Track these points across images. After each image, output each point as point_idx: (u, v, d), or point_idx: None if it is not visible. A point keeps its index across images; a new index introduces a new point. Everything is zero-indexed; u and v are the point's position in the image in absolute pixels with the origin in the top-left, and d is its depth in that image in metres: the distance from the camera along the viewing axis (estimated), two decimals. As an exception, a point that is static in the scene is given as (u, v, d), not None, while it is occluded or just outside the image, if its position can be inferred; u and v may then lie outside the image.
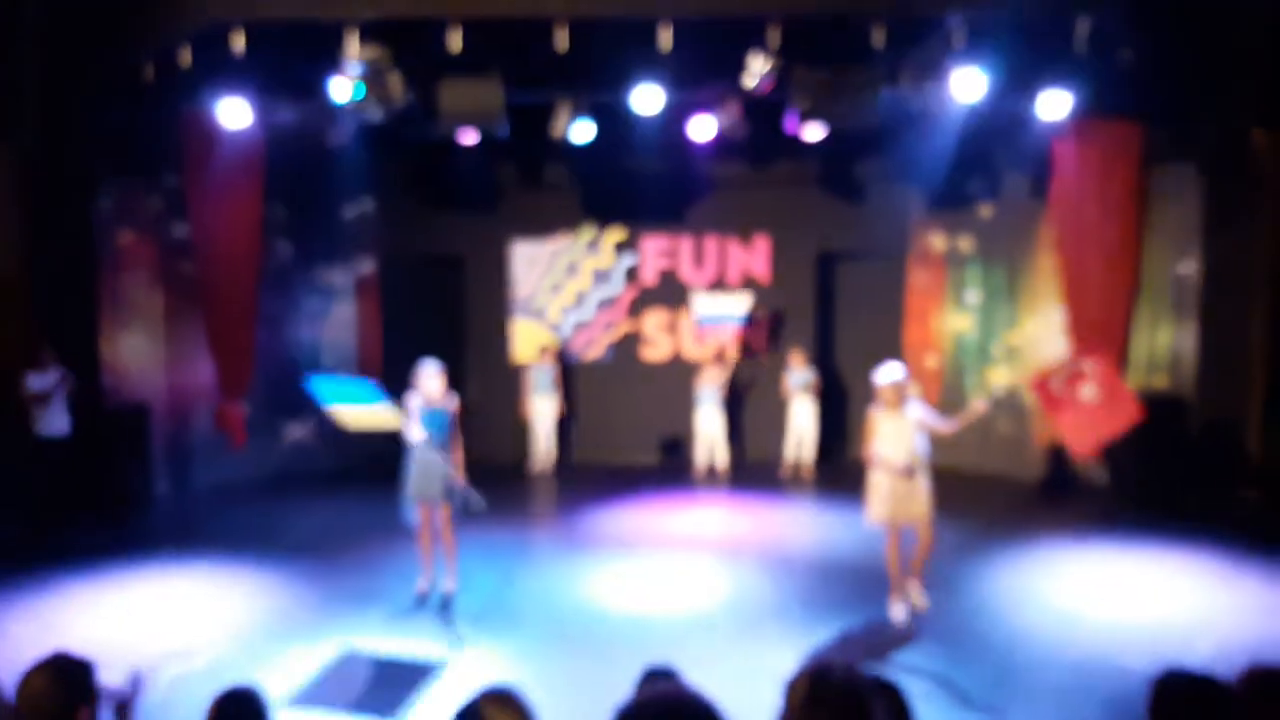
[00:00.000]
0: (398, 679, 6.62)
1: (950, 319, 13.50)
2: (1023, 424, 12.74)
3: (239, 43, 9.21)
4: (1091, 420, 8.64)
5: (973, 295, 13.23)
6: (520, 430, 13.67)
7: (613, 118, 10.95)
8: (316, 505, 11.61)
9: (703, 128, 11.17)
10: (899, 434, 7.53)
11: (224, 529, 10.59)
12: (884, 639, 7.35)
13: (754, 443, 14.03)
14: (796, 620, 7.72)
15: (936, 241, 13.50)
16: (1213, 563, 9.02)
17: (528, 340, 14.21)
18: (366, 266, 13.89)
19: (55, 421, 10.18)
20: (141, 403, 11.53)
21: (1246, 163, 10.76)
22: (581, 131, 10.97)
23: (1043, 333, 12.48)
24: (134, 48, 9.71)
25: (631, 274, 14.14)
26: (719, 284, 14.08)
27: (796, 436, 13.07)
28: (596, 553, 9.68)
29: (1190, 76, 10.63)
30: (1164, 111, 10.82)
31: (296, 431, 13.35)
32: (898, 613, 7.68)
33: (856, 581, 8.54)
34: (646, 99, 10.15)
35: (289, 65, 9.82)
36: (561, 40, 9.09)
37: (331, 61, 9.24)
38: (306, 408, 13.26)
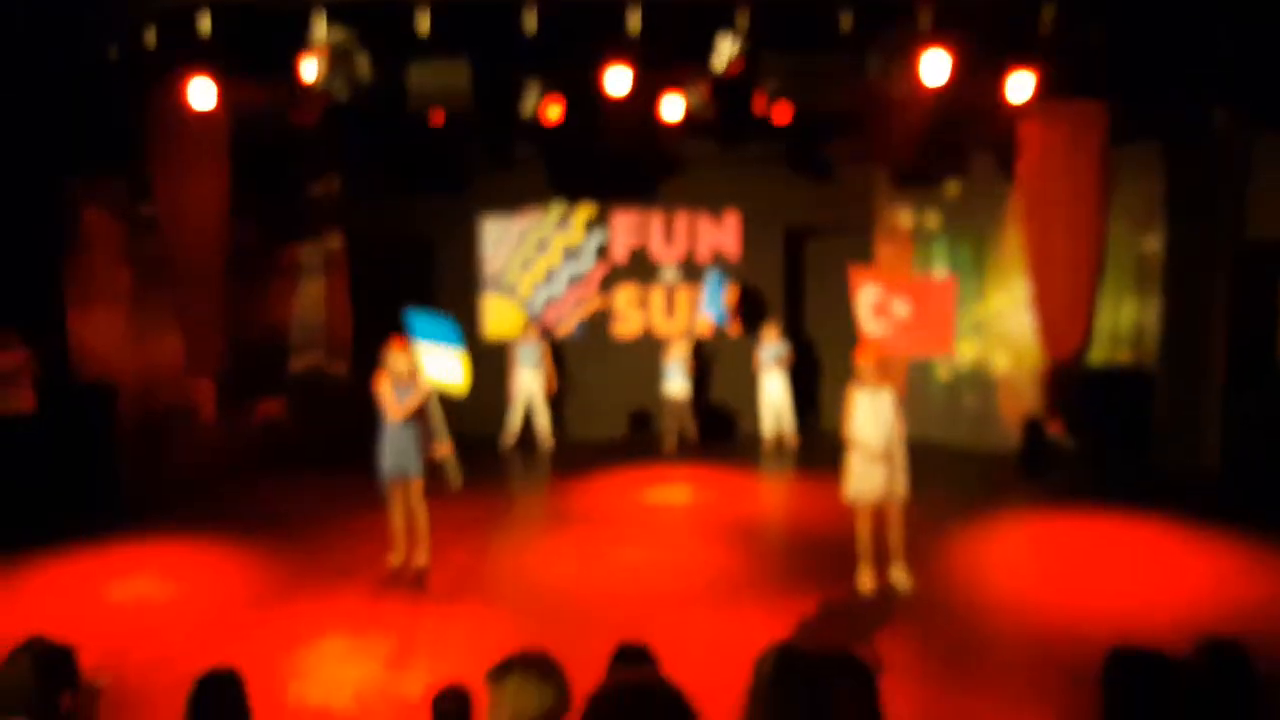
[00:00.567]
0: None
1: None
2: (989, 397, 12.91)
3: (205, 23, 9.13)
4: (927, 322, 8.46)
5: (940, 271, 13.37)
6: (495, 405, 13.72)
7: (582, 96, 10.95)
8: (286, 482, 11.64)
9: (672, 107, 11.19)
10: (877, 413, 7.59)
11: (193, 507, 10.62)
12: (852, 612, 7.48)
13: (729, 416, 14.12)
14: (768, 594, 7.84)
15: (903, 218, 13.62)
16: (1175, 534, 9.21)
17: (499, 317, 14.23)
18: (335, 243, 13.86)
19: (21, 400, 10.14)
20: (109, 382, 11.48)
21: (1209, 141, 10.94)
22: (551, 110, 10.97)
23: (1009, 307, 12.64)
24: (99, 28, 9.60)
25: (602, 250, 14.18)
26: (689, 260, 14.13)
27: (772, 410, 13.15)
28: (569, 527, 9.78)
29: (1154, 56, 10.75)
30: (1128, 91, 10.94)
31: (266, 408, 13.33)
32: (866, 583, 7.82)
33: (827, 555, 8.67)
34: (616, 80, 10.16)
35: (255, 45, 9.76)
36: (530, 22, 9.08)
37: (298, 42, 9.19)
38: (276, 385, 13.30)
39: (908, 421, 8.04)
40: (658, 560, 8.78)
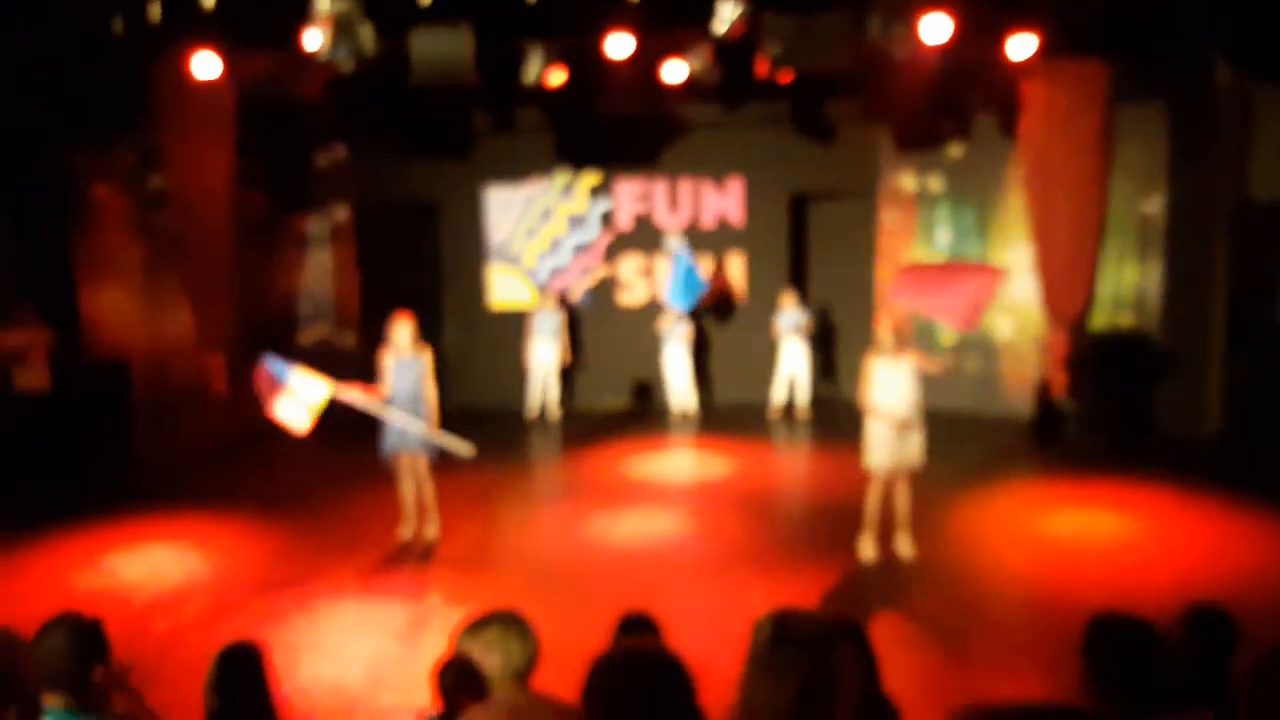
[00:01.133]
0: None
1: (921, 257, 13.65)
2: (991, 363, 12.96)
3: (208, -5, 9.16)
4: (958, 293, 8.33)
5: (943, 234, 13.39)
6: (501, 375, 13.81)
7: (585, 62, 10.96)
8: (299, 456, 11.71)
9: (675, 72, 11.20)
10: (897, 381, 7.59)
11: (207, 482, 10.73)
12: (855, 580, 7.57)
13: (736, 384, 14.20)
14: (772, 562, 7.93)
15: (907, 181, 13.62)
16: (1177, 498, 9.26)
17: (505, 285, 14.29)
18: (341, 214, 13.91)
19: (35, 377, 10.23)
20: (121, 357, 11.56)
21: (1211, 100, 10.91)
22: (554, 77, 10.97)
23: (1013, 271, 12.63)
24: (103, 2, 9.61)
25: (606, 218, 14.20)
26: (693, 227, 14.15)
27: (788, 378, 13.18)
28: (576, 497, 9.88)
29: (1155, 15, 10.72)
30: (1129, 50, 10.92)
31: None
32: (867, 551, 7.89)
33: (833, 524, 8.74)
34: (618, 45, 10.17)
35: (259, 17, 9.78)
36: (532, -11, 9.09)
37: (302, 13, 9.21)
38: (286, 356, 13.37)
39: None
40: (664, 530, 8.88)
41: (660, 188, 14.13)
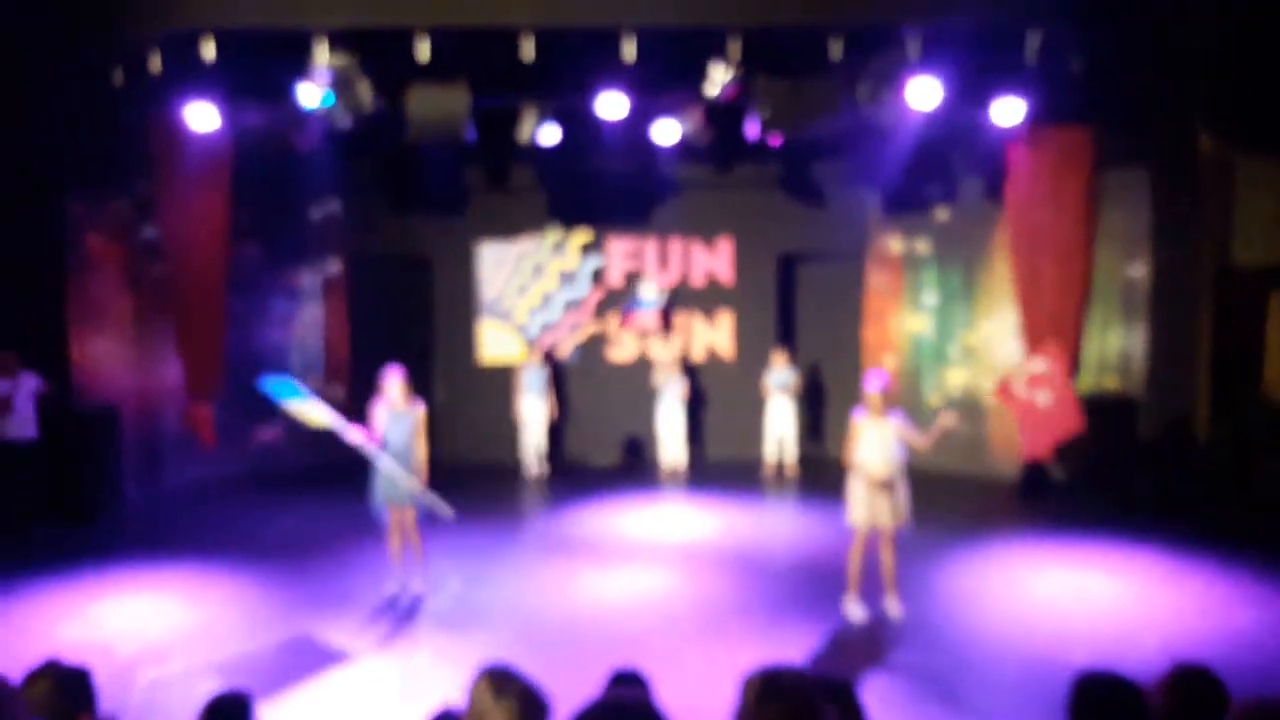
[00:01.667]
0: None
1: (908, 320, 13.78)
2: (980, 425, 13.03)
3: (209, 49, 9.29)
4: (1046, 424, 9.02)
5: (930, 297, 13.52)
6: (491, 430, 13.84)
7: (578, 122, 11.14)
8: (286, 507, 11.69)
9: (667, 132, 11.39)
10: (881, 441, 7.70)
11: (194, 531, 10.66)
12: (842, 638, 7.56)
13: (729, 442, 14.25)
14: (762, 620, 7.92)
15: (894, 244, 13.78)
16: (1162, 560, 9.28)
17: (496, 341, 14.35)
18: (334, 268, 14.00)
19: (22, 425, 10.21)
20: (111, 405, 11.55)
21: (1193, 167, 11.11)
22: (547, 136, 11.13)
23: (998, 334, 12.78)
24: (104, 52, 9.76)
25: (597, 275, 14.32)
26: (683, 285, 14.28)
27: (776, 436, 13.26)
28: (564, 553, 9.85)
29: (1139, 84, 10.96)
30: (1114, 117, 11.14)
31: (266, 433, 13.43)
32: (854, 612, 7.90)
33: (821, 581, 8.73)
34: (611, 105, 10.35)
35: (258, 71, 9.93)
36: (528, 49, 9.25)
37: (300, 68, 9.35)
38: (275, 409, 13.39)
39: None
40: (653, 587, 8.85)
41: (651, 246, 14.27)
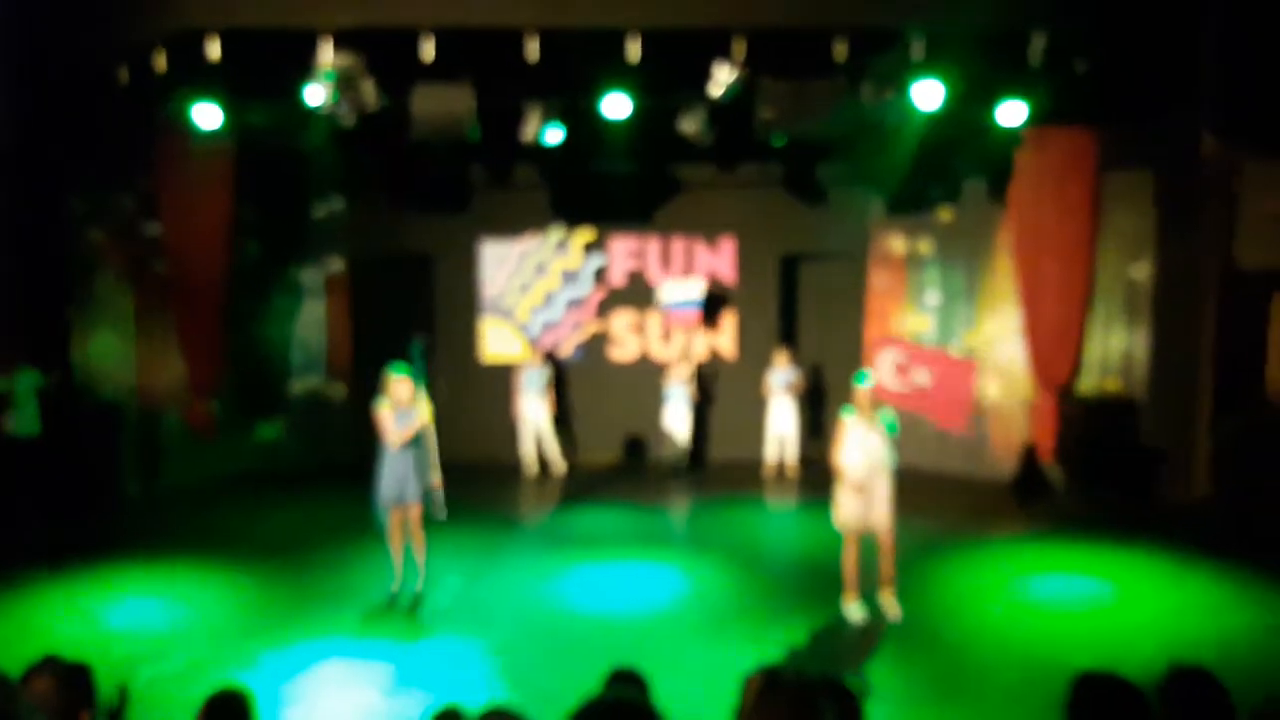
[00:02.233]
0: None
1: (910, 319, 13.78)
2: (979, 425, 13.04)
3: (214, 48, 9.31)
4: (945, 395, 8.73)
5: (932, 296, 13.52)
6: (493, 428, 13.87)
7: (582, 121, 11.15)
8: (287, 504, 11.72)
9: (670, 132, 11.40)
10: (865, 442, 7.69)
11: (195, 528, 10.70)
12: (841, 638, 7.59)
13: (728, 441, 14.28)
14: (762, 619, 7.94)
15: (896, 244, 13.79)
16: (1162, 562, 9.31)
17: (498, 339, 14.37)
18: (336, 265, 14.01)
19: (25, 421, 10.24)
20: (112, 402, 11.59)
21: (1197, 169, 11.12)
22: (551, 135, 11.15)
23: (1000, 334, 12.79)
24: (109, 51, 9.77)
25: (599, 274, 14.33)
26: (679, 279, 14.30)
27: (778, 436, 13.28)
28: (566, 552, 9.87)
29: (1143, 86, 10.96)
30: (1118, 119, 11.15)
31: (267, 430, 13.48)
32: (853, 613, 7.91)
33: (821, 581, 8.75)
34: (615, 106, 10.36)
35: (263, 70, 9.94)
36: (532, 50, 9.26)
37: (305, 67, 9.37)
38: (277, 406, 13.45)
39: (899, 449, 8.11)
40: (653, 586, 8.87)
41: (653, 245, 14.27)
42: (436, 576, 8.68)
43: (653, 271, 14.30)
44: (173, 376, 12.22)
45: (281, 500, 11.92)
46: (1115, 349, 11.91)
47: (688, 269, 14.29)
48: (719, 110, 10.61)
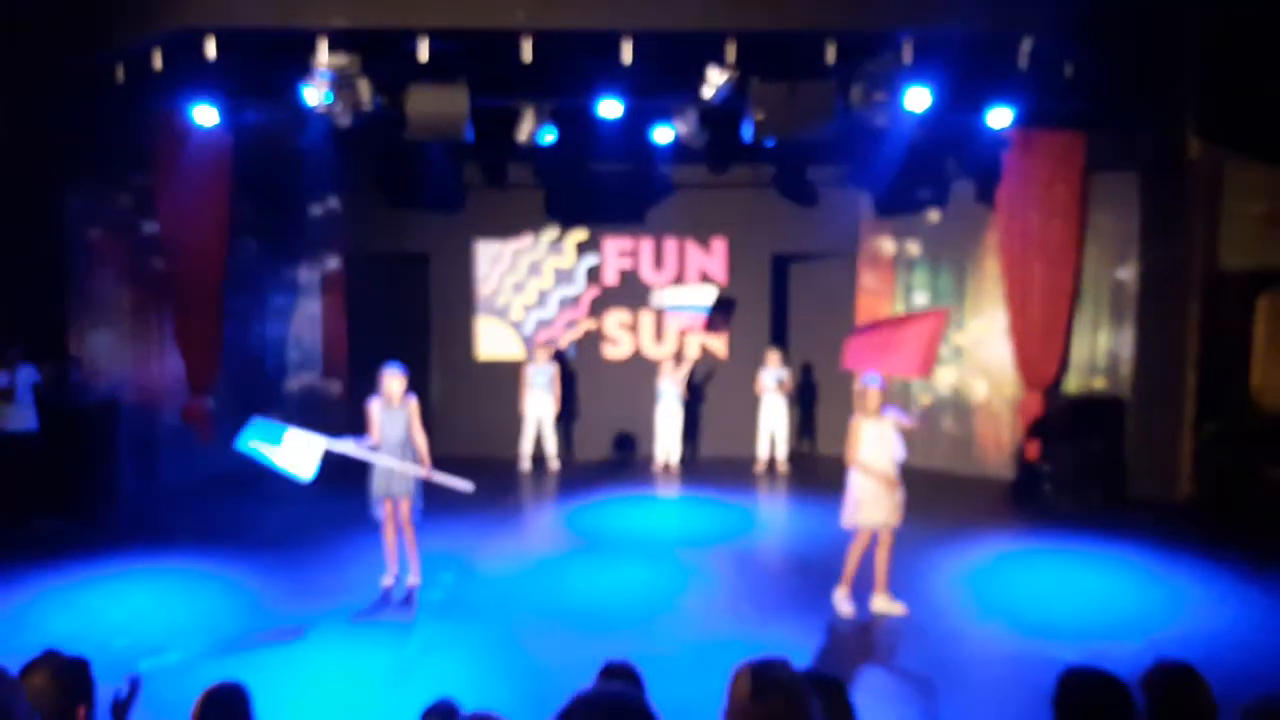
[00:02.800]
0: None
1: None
2: (967, 423, 13.17)
3: (211, 48, 9.37)
4: (907, 345, 8.48)
5: (920, 296, 13.64)
6: (487, 425, 13.96)
7: (576, 122, 11.25)
8: (283, 500, 11.76)
9: (663, 134, 11.52)
10: (881, 440, 7.79)
11: (191, 524, 10.76)
12: (832, 633, 7.69)
13: (721, 439, 14.40)
14: (752, 614, 8.04)
15: (886, 244, 13.91)
16: (1148, 558, 9.42)
17: (492, 337, 14.44)
18: (332, 264, 14.08)
19: (22, 418, 10.29)
20: (109, 398, 11.64)
21: (1182, 171, 11.25)
22: (545, 136, 11.23)
23: (987, 334, 12.92)
24: (106, 49, 9.83)
25: (593, 274, 14.41)
26: (678, 284, 14.37)
27: (769, 433, 13.42)
28: (558, 547, 9.96)
29: (1129, 89, 11.09)
30: (1104, 122, 11.28)
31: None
32: (845, 607, 8.01)
33: (811, 577, 8.87)
34: (609, 107, 10.47)
35: (259, 69, 10.02)
36: (526, 51, 9.34)
37: (301, 67, 9.43)
38: (273, 402, 13.49)
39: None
40: (645, 581, 8.97)
41: (646, 245, 14.36)
42: (430, 571, 8.78)
43: (646, 271, 14.38)
44: (169, 373, 12.29)
45: (276, 496, 11.95)
46: (1101, 349, 12.05)
47: (681, 269, 14.38)
48: (711, 112, 10.72)
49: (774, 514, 11.82)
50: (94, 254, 11.80)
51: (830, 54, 9.46)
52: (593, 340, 14.50)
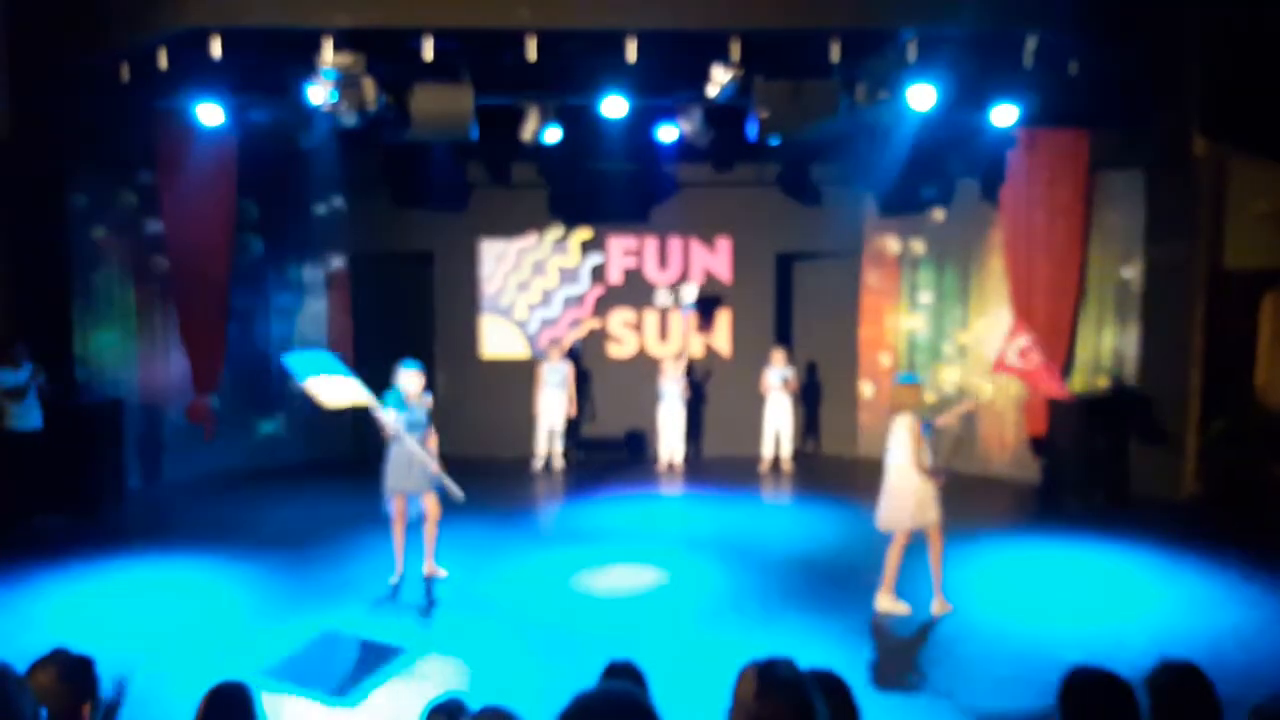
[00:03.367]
0: (369, 661, 6.93)
1: (903, 318, 13.90)
2: (971, 422, 13.14)
3: (215, 47, 9.38)
4: (1049, 372, 9.48)
5: (925, 295, 13.64)
6: (492, 425, 13.97)
7: (581, 121, 11.25)
8: (288, 498, 11.80)
9: (667, 133, 11.52)
10: (927, 441, 7.84)
11: (197, 522, 10.77)
12: (838, 632, 7.68)
13: (725, 438, 14.41)
14: (757, 613, 8.04)
15: (890, 243, 13.90)
16: (1153, 557, 9.40)
17: (497, 336, 14.44)
18: (337, 262, 14.08)
19: (28, 416, 10.30)
20: (115, 397, 11.66)
21: (1187, 169, 11.23)
22: (550, 135, 11.24)
23: (992, 333, 12.90)
24: (111, 48, 9.84)
25: (597, 273, 14.42)
26: (682, 283, 14.37)
27: (774, 432, 13.42)
28: (562, 545, 9.96)
29: (1135, 88, 11.08)
30: (1109, 120, 11.27)
31: (267, 425, 13.58)
32: (899, 607, 7.98)
33: (816, 576, 8.90)
34: (613, 106, 10.47)
35: (264, 68, 10.02)
36: (531, 49, 9.34)
37: (306, 66, 9.44)
38: (278, 401, 13.52)
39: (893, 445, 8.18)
40: (649, 580, 8.95)
41: (650, 244, 14.36)
42: (438, 568, 8.79)
43: (650, 270, 14.38)
44: (174, 372, 12.31)
45: (282, 495, 12.00)
46: (1106, 348, 12.03)
47: (685, 268, 14.37)
48: (715, 110, 10.72)
49: (779, 513, 11.81)
50: (99, 252, 11.82)
51: (835, 52, 9.46)
52: (597, 339, 14.50)
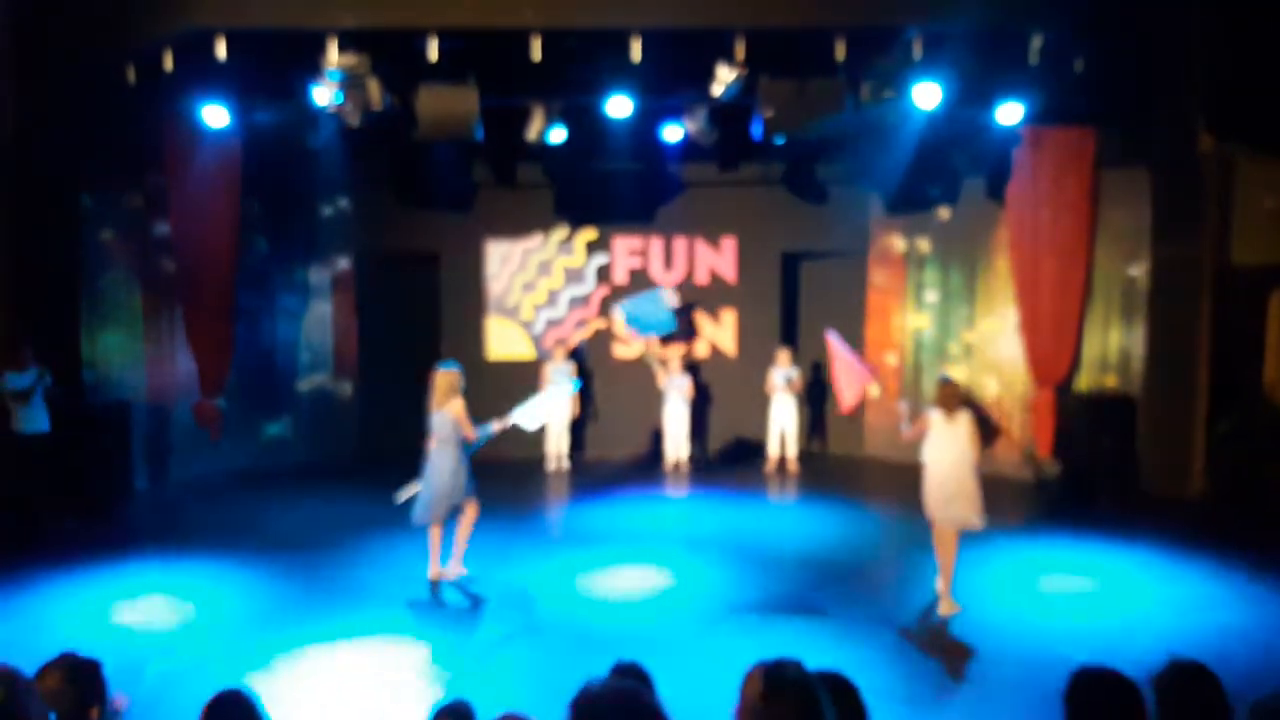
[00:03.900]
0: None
1: (910, 317, 13.88)
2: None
3: (221, 48, 9.39)
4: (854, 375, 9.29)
5: (931, 294, 13.62)
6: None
7: (586, 121, 11.25)
8: (294, 500, 11.80)
9: (672, 132, 11.52)
10: (955, 437, 7.86)
11: (204, 524, 10.77)
12: (844, 631, 7.67)
13: (731, 438, 14.40)
14: (764, 613, 8.02)
15: (896, 242, 13.88)
16: (1159, 557, 9.37)
17: (502, 337, 14.44)
18: (343, 264, 14.09)
19: (35, 419, 10.31)
20: (121, 399, 11.67)
21: (1194, 167, 11.19)
22: (555, 135, 11.24)
23: (998, 331, 12.88)
24: (117, 51, 9.87)
25: (603, 273, 14.41)
26: (688, 283, 14.35)
27: (779, 432, 13.40)
28: (570, 547, 9.95)
29: (1141, 85, 11.05)
30: (1115, 118, 11.24)
31: (274, 427, 13.60)
32: (950, 606, 7.97)
33: (822, 576, 8.88)
34: (618, 106, 10.47)
35: (270, 70, 10.04)
36: (536, 49, 9.35)
37: (311, 67, 9.46)
38: (284, 402, 13.54)
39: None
40: (655, 580, 8.94)
41: (656, 244, 14.36)
42: (449, 571, 8.80)
43: (655, 270, 14.37)
44: (181, 374, 12.32)
45: (289, 497, 12.00)
46: (1113, 346, 12.01)
47: (690, 268, 14.36)
48: (720, 110, 10.71)
49: (785, 513, 11.80)
50: (106, 255, 11.84)
51: (840, 51, 9.46)
52: (603, 340, 14.49)
